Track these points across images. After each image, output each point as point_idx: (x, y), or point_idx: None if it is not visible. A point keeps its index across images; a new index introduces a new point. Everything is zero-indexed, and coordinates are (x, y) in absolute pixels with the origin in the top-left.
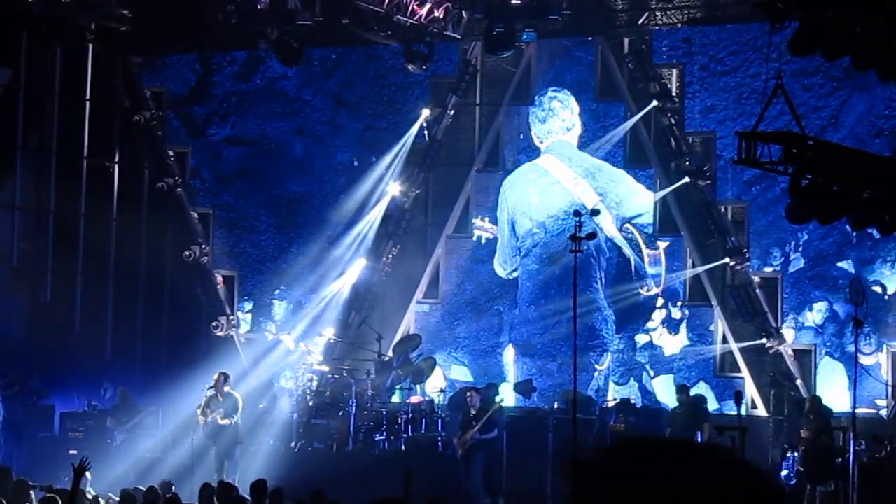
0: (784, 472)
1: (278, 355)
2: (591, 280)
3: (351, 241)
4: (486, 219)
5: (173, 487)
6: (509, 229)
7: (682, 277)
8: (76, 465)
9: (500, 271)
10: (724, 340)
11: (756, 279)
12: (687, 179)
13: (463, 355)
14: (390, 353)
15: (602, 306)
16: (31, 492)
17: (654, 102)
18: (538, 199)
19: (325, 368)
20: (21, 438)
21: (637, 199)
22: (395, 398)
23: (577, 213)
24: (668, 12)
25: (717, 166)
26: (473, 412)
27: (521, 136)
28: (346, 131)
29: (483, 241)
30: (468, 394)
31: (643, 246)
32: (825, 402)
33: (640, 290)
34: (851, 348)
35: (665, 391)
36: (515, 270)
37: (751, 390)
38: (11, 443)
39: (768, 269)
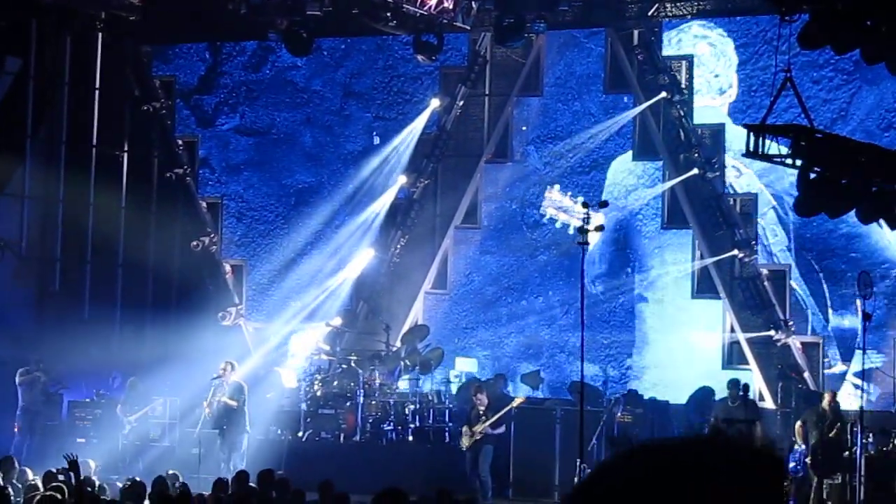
0: (791, 465)
1: (286, 345)
2: None
3: (358, 230)
4: (580, 199)
5: (181, 478)
6: (612, 238)
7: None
8: (68, 459)
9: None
10: (732, 332)
11: (764, 271)
12: (696, 171)
13: (471, 346)
14: (398, 344)
15: None
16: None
17: (663, 94)
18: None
19: (333, 358)
20: (34, 427)
21: None
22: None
23: (584, 205)
24: (678, 4)
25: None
26: (482, 408)
27: (525, 128)
28: (355, 121)
29: (558, 224)
30: (475, 394)
31: None
32: None
33: None
34: None
35: None
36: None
37: (758, 382)
38: (26, 430)
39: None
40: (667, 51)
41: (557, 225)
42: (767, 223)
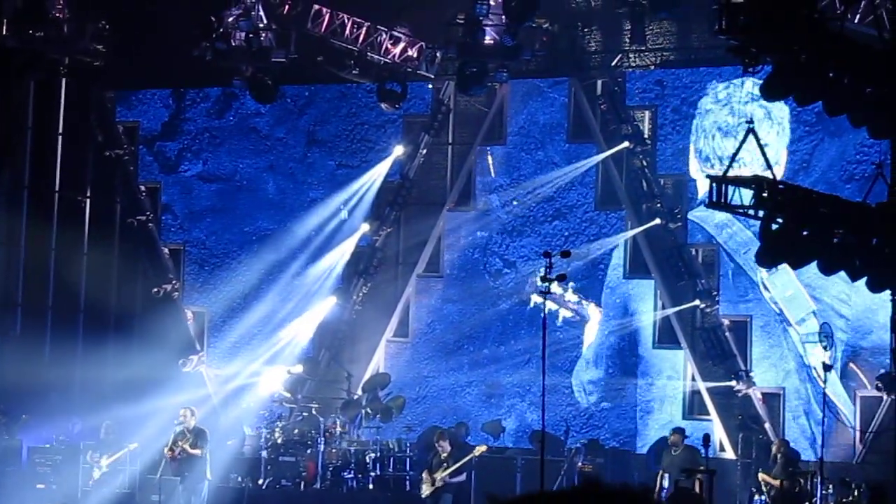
0: None
1: (247, 392)
2: None
3: (320, 277)
4: (569, 289)
5: None
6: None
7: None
8: None
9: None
10: (693, 381)
11: (726, 322)
12: (658, 221)
13: (432, 394)
14: (360, 392)
15: None
16: None
17: (626, 143)
18: None
19: (294, 405)
20: None
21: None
22: None
23: (546, 255)
24: (642, 54)
25: (688, 209)
26: (444, 455)
27: (514, 203)
28: (318, 169)
29: (546, 311)
30: (438, 440)
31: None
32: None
33: None
34: None
35: None
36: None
37: (719, 433)
38: None
39: None
40: (709, 106)
41: (545, 312)
42: (806, 331)
